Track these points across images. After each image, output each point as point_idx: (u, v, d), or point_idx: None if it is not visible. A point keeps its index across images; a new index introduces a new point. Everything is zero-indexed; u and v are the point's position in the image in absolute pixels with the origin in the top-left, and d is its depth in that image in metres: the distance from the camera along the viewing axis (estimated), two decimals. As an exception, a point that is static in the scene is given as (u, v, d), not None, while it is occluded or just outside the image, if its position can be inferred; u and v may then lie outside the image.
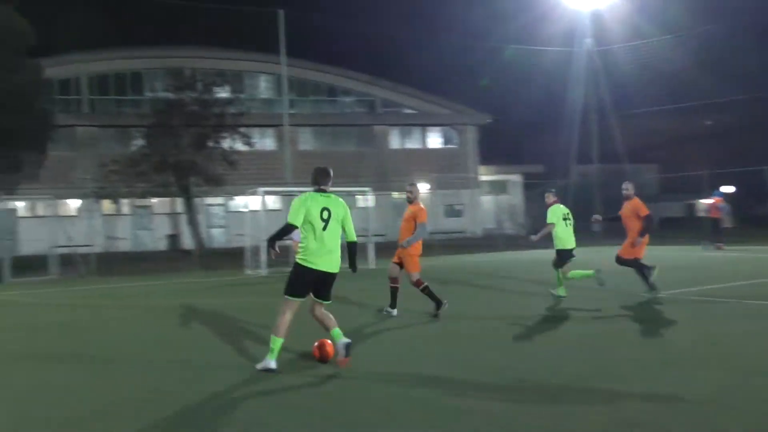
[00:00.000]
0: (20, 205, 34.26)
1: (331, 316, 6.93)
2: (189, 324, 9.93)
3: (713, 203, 23.48)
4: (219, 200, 36.90)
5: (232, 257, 23.32)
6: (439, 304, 9.67)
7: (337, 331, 6.82)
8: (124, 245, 35.93)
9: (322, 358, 6.88)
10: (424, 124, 44.27)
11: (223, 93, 33.56)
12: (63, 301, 13.93)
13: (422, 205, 9.84)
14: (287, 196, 22.93)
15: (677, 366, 6.47)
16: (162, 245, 36.50)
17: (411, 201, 9.84)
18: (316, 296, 6.88)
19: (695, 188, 33.22)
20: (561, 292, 11.46)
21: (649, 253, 11.63)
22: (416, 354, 7.49)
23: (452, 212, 42.25)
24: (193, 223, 31.72)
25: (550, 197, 11.58)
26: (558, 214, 11.32)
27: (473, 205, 43.18)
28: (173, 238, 36.78)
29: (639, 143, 40.89)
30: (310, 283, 6.79)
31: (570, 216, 11.51)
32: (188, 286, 16.54)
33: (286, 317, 6.69)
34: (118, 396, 5.91)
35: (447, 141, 44.98)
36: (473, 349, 7.56)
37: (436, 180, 38.38)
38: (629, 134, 38.44)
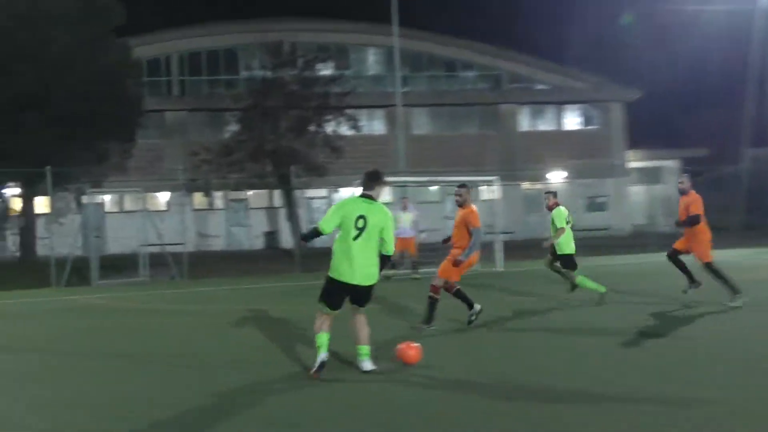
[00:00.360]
0: (107, 199, 35.89)
1: (365, 329, 7.20)
2: (285, 331, 10.04)
3: None
4: (322, 192, 37.46)
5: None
6: (429, 321, 9.77)
7: (364, 349, 7.16)
8: (217, 243, 37.11)
9: (406, 360, 7.30)
10: (560, 101, 43.37)
11: (326, 70, 34.10)
12: (153, 306, 14.53)
13: (473, 208, 10.03)
14: (400, 187, 22.94)
15: None
16: (258, 244, 37.54)
17: (461, 205, 10.14)
18: (351, 302, 7.21)
19: None
20: (601, 289, 12.03)
21: None
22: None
23: (594, 206, 41.22)
24: (293, 218, 32.41)
25: (550, 199, 12.28)
26: (564, 217, 12.00)
27: (620, 197, 41.98)
28: (271, 236, 37.70)
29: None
30: (341, 296, 7.11)
31: (571, 219, 12.28)
32: (287, 290, 16.93)
33: (322, 321, 7.17)
34: (197, 403, 6.02)
35: (587, 121, 43.91)
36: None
37: (575, 167, 37.58)
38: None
